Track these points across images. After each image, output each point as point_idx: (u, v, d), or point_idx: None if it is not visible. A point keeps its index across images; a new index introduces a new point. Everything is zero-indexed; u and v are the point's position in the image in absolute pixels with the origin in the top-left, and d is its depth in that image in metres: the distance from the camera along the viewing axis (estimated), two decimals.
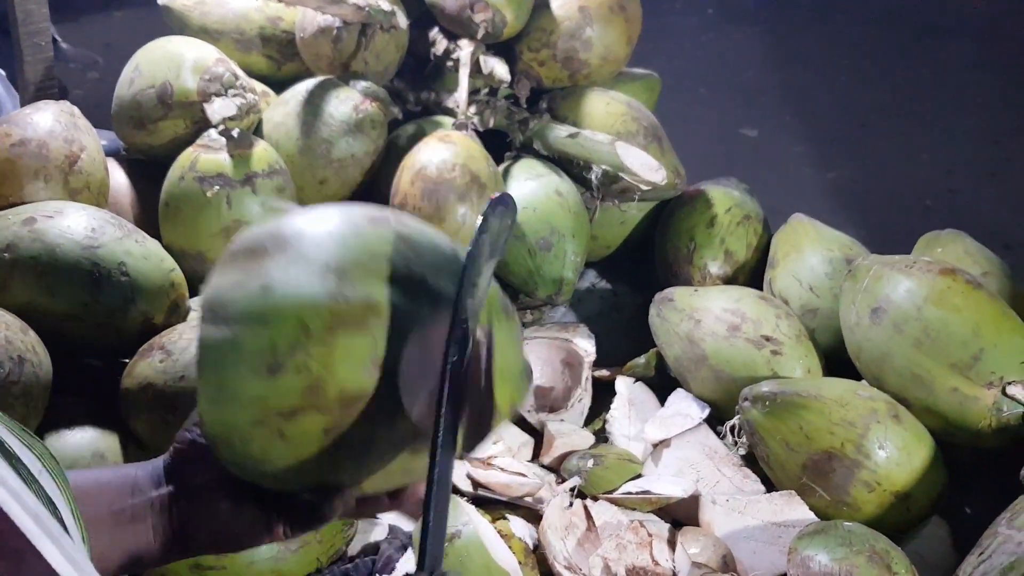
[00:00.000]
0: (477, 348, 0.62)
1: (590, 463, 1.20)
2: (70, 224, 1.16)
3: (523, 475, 1.20)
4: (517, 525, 1.14)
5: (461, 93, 1.45)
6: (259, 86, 1.50)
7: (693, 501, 1.16)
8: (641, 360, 1.41)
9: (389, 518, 1.16)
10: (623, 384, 1.35)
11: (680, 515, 1.18)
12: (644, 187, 1.45)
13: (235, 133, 1.31)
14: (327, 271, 0.61)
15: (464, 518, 1.09)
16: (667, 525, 1.15)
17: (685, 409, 1.31)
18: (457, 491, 1.18)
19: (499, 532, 1.10)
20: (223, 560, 1.01)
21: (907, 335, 1.19)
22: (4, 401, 1.02)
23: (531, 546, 1.12)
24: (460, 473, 1.20)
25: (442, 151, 1.34)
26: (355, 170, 1.43)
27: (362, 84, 1.44)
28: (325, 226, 0.65)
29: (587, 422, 1.34)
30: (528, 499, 1.18)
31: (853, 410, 1.16)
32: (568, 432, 1.28)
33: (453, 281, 0.62)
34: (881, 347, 1.22)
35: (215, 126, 1.32)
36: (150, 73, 1.38)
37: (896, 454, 1.14)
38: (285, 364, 0.60)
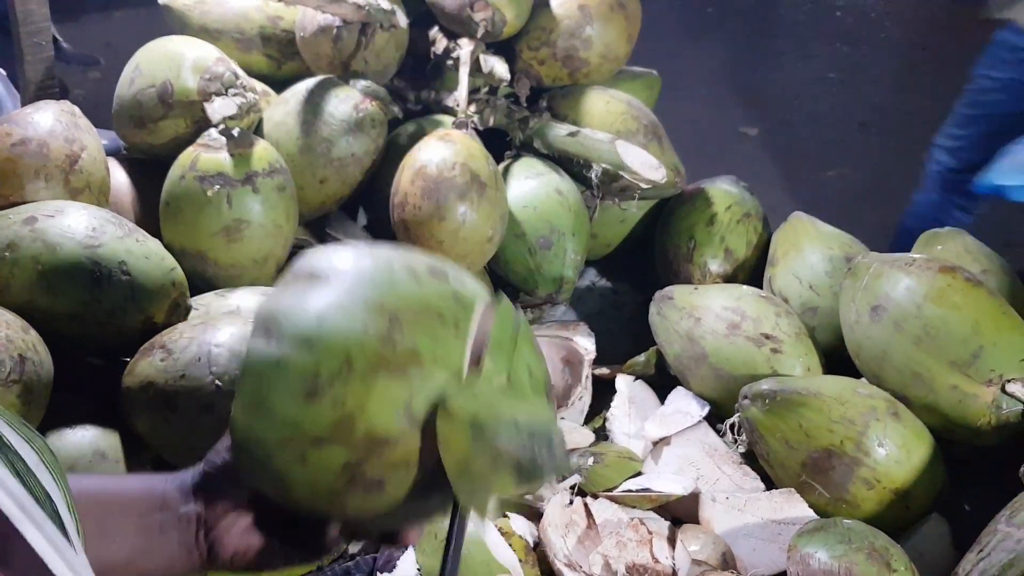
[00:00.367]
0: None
1: (590, 461, 1.21)
2: (71, 223, 1.16)
3: None
4: (517, 523, 1.14)
5: (461, 92, 1.46)
6: (259, 85, 1.50)
7: (693, 499, 1.17)
8: (641, 358, 1.41)
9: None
10: (623, 382, 1.36)
11: (680, 513, 1.18)
12: (644, 185, 1.45)
13: (235, 132, 1.31)
14: (382, 313, 0.63)
15: None
16: (667, 523, 1.15)
17: (685, 407, 1.31)
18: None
19: (499, 530, 1.11)
20: None
21: (907, 333, 1.19)
22: (5, 399, 1.02)
23: (531, 544, 1.13)
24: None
25: (442, 150, 1.34)
26: (355, 169, 1.43)
27: (362, 83, 1.44)
28: (388, 268, 0.66)
29: (587, 420, 1.34)
30: (528, 497, 1.18)
31: (853, 408, 1.16)
32: (568, 430, 1.29)
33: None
34: (881, 345, 1.22)
35: (215, 125, 1.32)
36: (150, 72, 1.38)
37: (896, 452, 1.14)
38: (323, 393, 0.61)
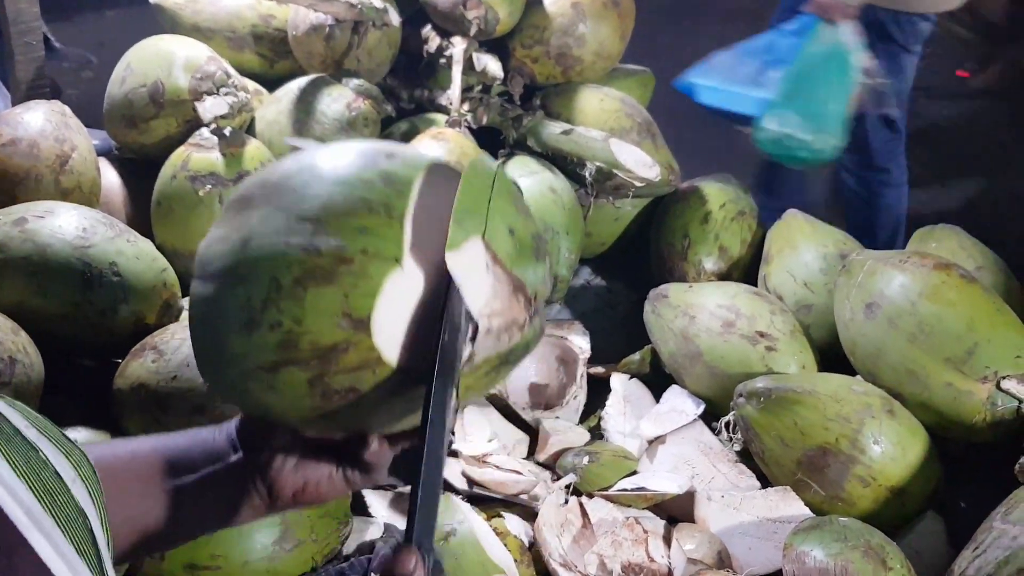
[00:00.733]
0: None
1: (585, 460, 1.20)
2: (61, 224, 1.15)
3: (518, 473, 1.19)
4: (513, 522, 1.14)
5: (454, 90, 1.45)
6: (251, 84, 1.49)
7: (688, 497, 1.16)
8: (636, 357, 1.40)
9: (384, 517, 1.16)
10: (618, 381, 1.35)
11: (675, 511, 1.18)
12: (638, 183, 1.45)
13: (227, 131, 1.30)
14: (303, 222, 0.61)
15: (460, 516, 1.08)
16: (662, 521, 1.15)
17: (680, 405, 1.30)
18: (453, 489, 1.18)
19: (495, 530, 1.10)
20: (218, 560, 1.00)
21: (901, 330, 1.19)
22: None
23: (527, 543, 1.12)
24: (455, 471, 1.20)
25: (436, 148, 1.33)
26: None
27: (355, 82, 1.44)
28: (311, 172, 0.64)
29: (582, 419, 1.34)
30: (523, 496, 1.17)
31: (848, 405, 1.16)
32: (563, 429, 1.28)
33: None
34: (875, 342, 1.22)
35: (207, 125, 1.32)
36: (142, 72, 1.38)
37: (891, 449, 1.14)
38: (259, 320, 0.60)
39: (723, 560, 1.10)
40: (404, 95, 1.58)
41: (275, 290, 0.60)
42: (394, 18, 1.49)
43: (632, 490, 1.16)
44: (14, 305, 1.11)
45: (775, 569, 1.07)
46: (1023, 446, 1.13)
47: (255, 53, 1.56)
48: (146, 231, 1.29)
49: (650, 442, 1.27)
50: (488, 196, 0.65)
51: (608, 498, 1.16)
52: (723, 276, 1.48)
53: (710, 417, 1.30)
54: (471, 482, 1.18)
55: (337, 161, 0.65)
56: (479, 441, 1.24)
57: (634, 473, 1.22)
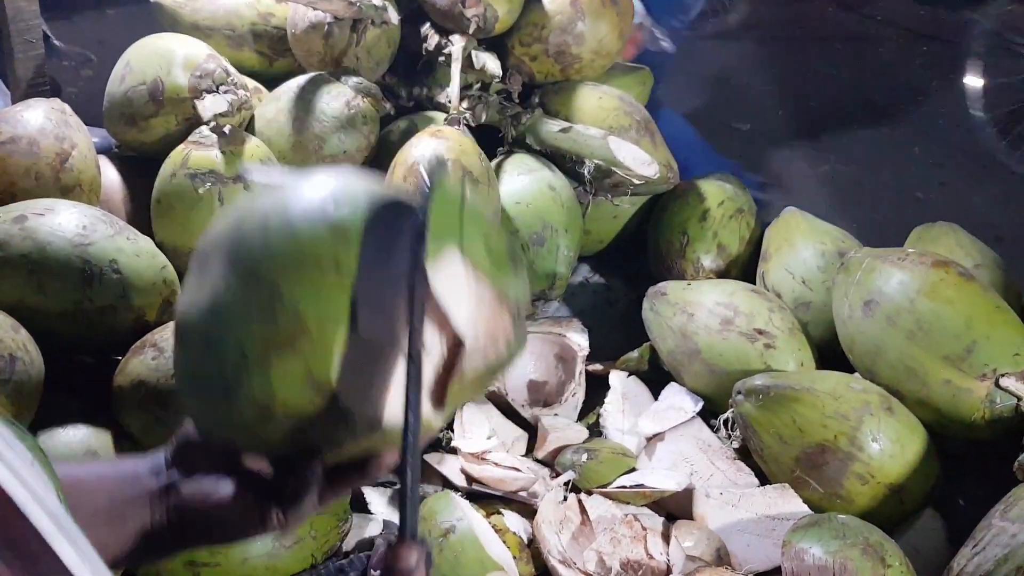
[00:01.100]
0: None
1: (584, 457, 1.20)
2: (61, 222, 1.16)
3: (517, 470, 1.20)
4: (511, 519, 1.14)
5: (453, 88, 1.45)
6: (250, 82, 1.49)
7: (687, 495, 1.17)
8: (634, 354, 1.41)
9: (383, 513, 1.16)
10: (616, 378, 1.35)
11: (674, 509, 1.18)
12: (637, 181, 1.45)
13: (227, 129, 1.30)
14: (259, 284, 0.61)
15: (459, 513, 1.09)
16: (661, 519, 1.15)
17: (678, 403, 1.31)
18: (451, 486, 1.18)
19: (493, 527, 1.10)
20: (217, 557, 1.00)
21: (900, 328, 1.19)
22: None
23: (525, 540, 1.12)
24: (454, 468, 1.20)
25: (435, 146, 1.33)
26: (347, 166, 1.42)
27: (354, 80, 1.44)
28: (263, 226, 0.63)
29: (581, 416, 1.34)
30: (522, 493, 1.18)
31: (846, 403, 1.16)
32: (562, 426, 1.28)
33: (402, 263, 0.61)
34: (874, 340, 1.22)
35: (206, 123, 1.32)
36: (141, 70, 1.38)
37: (889, 446, 1.14)
38: (235, 391, 0.62)
39: (722, 557, 1.10)
40: (403, 93, 1.58)
41: (243, 361, 0.61)
42: (393, 16, 1.49)
43: (631, 487, 1.17)
44: (14, 303, 1.11)
45: (774, 566, 1.08)
46: (1022, 443, 1.13)
47: (254, 51, 1.56)
48: (146, 229, 1.29)
49: (649, 439, 1.27)
50: (459, 209, 0.64)
51: (607, 495, 1.16)
52: (721, 274, 1.48)
53: (709, 414, 1.30)
54: (470, 479, 1.19)
55: (287, 212, 0.63)
56: (478, 438, 1.24)
57: (633, 470, 1.22)
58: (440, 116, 1.49)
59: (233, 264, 0.63)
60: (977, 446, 1.21)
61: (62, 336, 1.14)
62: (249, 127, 1.42)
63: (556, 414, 1.31)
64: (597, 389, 1.35)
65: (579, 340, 1.38)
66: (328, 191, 0.64)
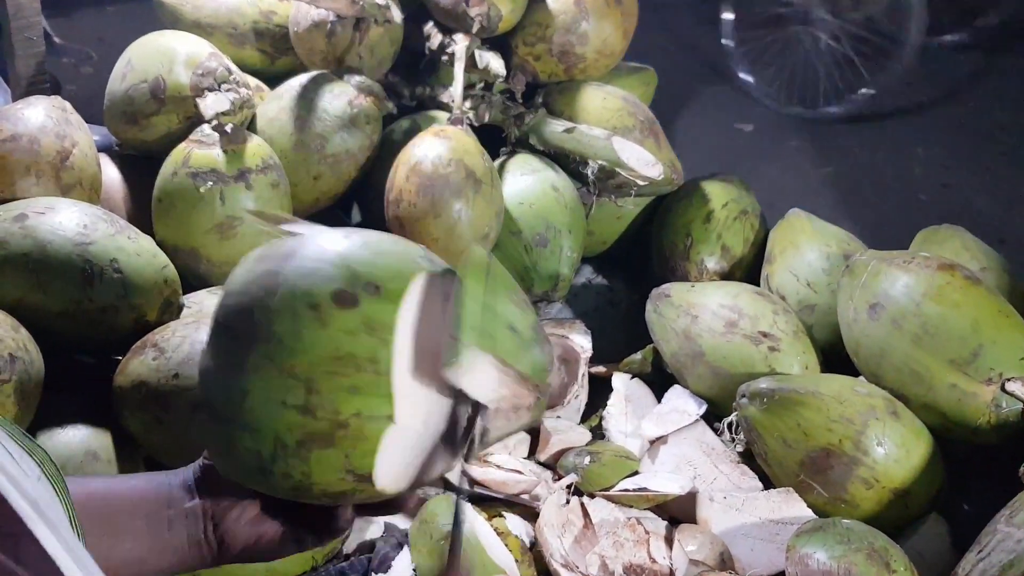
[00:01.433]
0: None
1: (587, 460, 1.20)
2: (62, 220, 1.15)
3: (519, 472, 1.19)
4: (514, 522, 1.13)
5: (456, 88, 1.44)
6: (252, 81, 1.48)
7: (690, 498, 1.16)
8: (638, 356, 1.40)
9: (384, 517, 1.15)
10: (620, 380, 1.35)
11: (677, 512, 1.17)
12: (641, 182, 1.44)
13: (228, 128, 1.30)
14: (296, 380, 0.61)
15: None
16: (664, 522, 1.14)
17: (682, 406, 1.30)
18: (453, 488, 1.18)
19: (495, 530, 1.10)
20: None
21: (905, 331, 1.18)
22: None
23: (528, 544, 1.12)
24: (455, 471, 1.19)
25: (437, 146, 1.33)
26: (349, 165, 1.42)
27: (356, 79, 1.43)
28: (293, 315, 0.62)
29: (583, 419, 1.34)
30: (524, 496, 1.17)
31: (851, 407, 1.15)
32: (564, 429, 1.28)
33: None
34: (879, 343, 1.21)
35: (208, 121, 1.31)
36: (142, 68, 1.37)
37: (894, 451, 1.14)
38: (271, 470, 0.63)
39: (725, 561, 1.09)
40: (406, 92, 1.57)
41: (281, 448, 0.62)
42: (396, 15, 1.48)
43: (634, 490, 1.16)
44: (14, 302, 1.10)
45: (778, 571, 1.07)
46: None
47: (256, 49, 1.55)
48: (147, 228, 1.28)
49: (652, 442, 1.26)
50: (482, 300, 0.65)
51: (610, 498, 1.16)
52: (725, 276, 1.48)
53: (712, 417, 1.29)
54: (472, 482, 1.18)
55: (317, 300, 0.63)
56: None
57: (636, 473, 1.21)
58: (443, 115, 1.48)
59: (264, 352, 0.62)
60: (983, 451, 1.21)
61: (62, 335, 1.13)
62: (251, 126, 1.42)
63: (559, 416, 1.31)
64: (600, 391, 1.35)
65: (582, 342, 1.37)
66: (362, 268, 0.63)
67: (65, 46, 2.84)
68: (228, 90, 1.34)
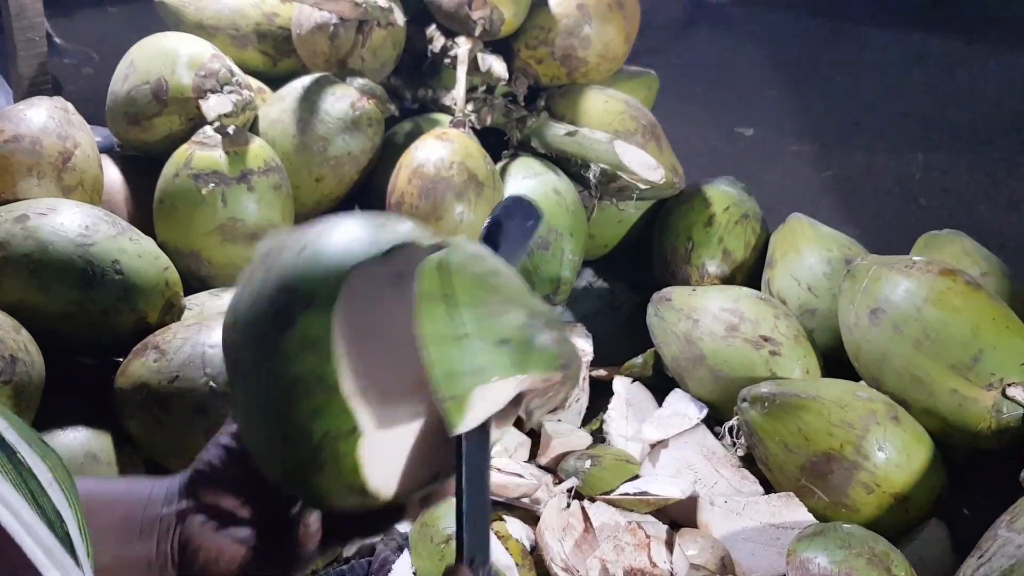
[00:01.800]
0: None
1: (587, 464, 1.20)
2: (63, 221, 1.15)
3: (520, 476, 1.19)
4: (514, 526, 1.13)
5: (459, 91, 1.44)
6: (255, 82, 1.48)
7: (691, 502, 1.16)
8: (639, 360, 1.40)
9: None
10: (620, 384, 1.35)
11: (678, 516, 1.17)
12: (642, 186, 1.44)
13: (230, 130, 1.30)
14: (269, 417, 0.61)
15: None
16: (665, 526, 1.14)
17: (683, 409, 1.30)
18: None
19: (496, 533, 1.10)
20: None
21: (906, 336, 1.18)
22: None
23: (528, 547, 1.12)
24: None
25: (440, 149, 1.33)
26: (352, 168, 1.42)
27: (359, 81, 1.43)
28: (251, 348, 0.61)
29: (584, 422, 1.33)
30: (525, 500, 1.17)
31: (852, 411, 1.15)
32: (565, 432, 1.28)
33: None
34: (880, 348, 1.21)
35: (210, 122, 1.31)
36: (145, 69, 1.37)
37: (895, 456, 1.14)
38: (288, 494, 0.65)
39: (726, 566, 1.09)
40: (408, 95, 1.58)
41: (286, 479, 0.63)
42: (399, 17, 1.48)
43: (634, 494, 1.16)
44: (15, 303, 1.10)
45: (778, 575, 1.07)
46: None
47: (258, 51, 1.55)
48: (148, 229, 1.28)
49: (652, 446, 1.26)
50: (452, 334, 0.58)
51: (610, 502, 1.16)
52: (726, 280, 1.48)
53: (713, 421, 1.29)
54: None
55: (256, 328, 0.61)
56: None
57: (636, 477, 1.21)
58: (445, 118, 1.48)
59: (240, 388, 0.63)
60: (983, 456, 1.21)
61: (63, 337, 1.13)
62: (253, 128, 1.42)
63: (559, 420, 1.31)
64: (601, 395, 1.34)
65: (583, 345, 1.37)
66: (293, 286, 0.60)
67: (67, 47, 2.83)
68: (230, 92, 1.34)
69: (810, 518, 1.13)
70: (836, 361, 1.31)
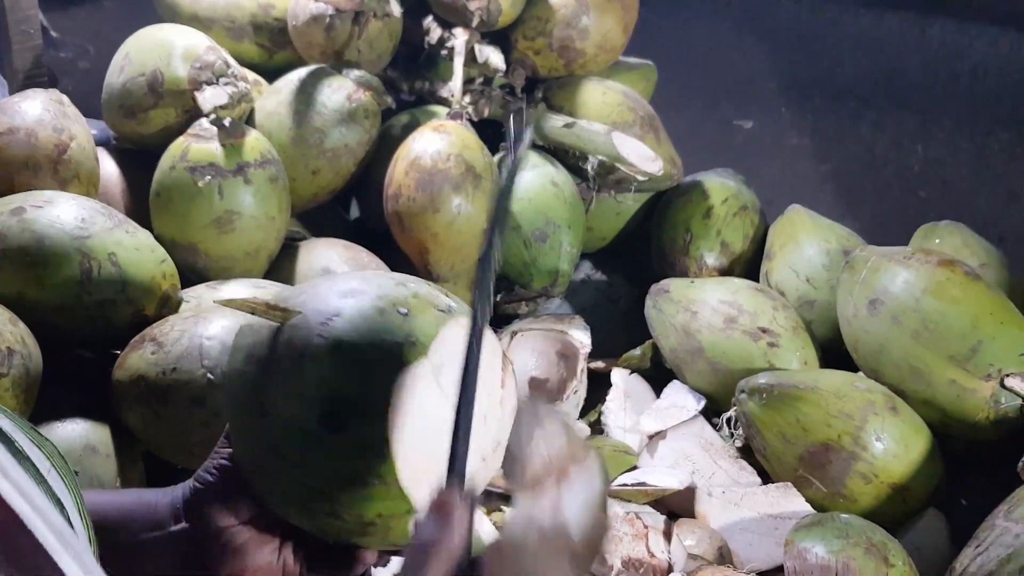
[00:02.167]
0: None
1: None
2: (59, 214, 1.14)
3: None
4: None
5: (456, 82, 1.44)
6: (251, 75, 1.48)
7: (689, 493, 1.16)
8: (637, 352, 1.40)
9: None
10: (618, 376, 1.35)
11: (676, 507, 1.17)
12: (640, 178, 1.44)
13: (227, 122, 1.29)
14: (315, 496, 0.63)
15: None
16: (663, 517, 1.14)
17: (681, 401, 1.30)
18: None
19: (495, 524, 1.10)
20: None
21: (905, 327, 1.18)
22: None
23: None
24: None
25: (437, 141, 1.32)
26: (348, 160, 1.41)
27: (355, 73, 1.43)
28: (293, 440, 0.63)
29: (582, 414, 1.33)
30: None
31: (850, 402, 1.15)
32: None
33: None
34: (879, 339, 1.21)
35: (206, 115, 1.30)
36: (140, 61, 1.36)
37: (893, 446, 1.14)
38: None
39: (723, 556, 1.09)
40: (405, 87, 1.57)
41: (318, 533, 0.66)
42: (395, 8, 1.47)
43: (632, 485, 1.16)
44: (12, 296, 1.10)
45: (776, 565, 1.07)
46: None
47: (254, 43, 1.54)
48: (145, 222, 1.27)
49: (650, 438, 1.26)
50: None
51: (608, 493, 1.16)
52: (725, 272, 1.48)
53: (711, 413, 1.29)
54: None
55: (304, 424, 0.63)
56: None
57: (634, 468, 1.21)
58: (442, 110, 1.48)
59: (277, 470, 0.65)
60: (981, 446, 1.21)
61: (60, 330, 1.13)
62: (249, 120, 1.41)
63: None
64: (599, 387, 1.34)
65: (581, 337, 1.37)
66: (339, 391, 0.62)
67: (62, 40, 2.82)
68: (226, 84, 1.34)
69: (808, 508, 1.13)
70: (835, 352, 1.31)
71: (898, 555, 1.00)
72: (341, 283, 0.67)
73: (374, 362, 0.62)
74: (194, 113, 1.33)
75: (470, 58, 1.48)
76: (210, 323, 1.08)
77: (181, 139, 1.30)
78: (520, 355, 1.33)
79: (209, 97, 1.31)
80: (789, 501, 1.14)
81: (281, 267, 1.35)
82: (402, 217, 1.31)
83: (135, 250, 1.16)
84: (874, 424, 1.14)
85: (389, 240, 1.37)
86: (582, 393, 1.34)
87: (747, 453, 1.24)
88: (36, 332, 1.09)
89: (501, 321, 1.46)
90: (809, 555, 0.99)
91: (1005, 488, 1.07)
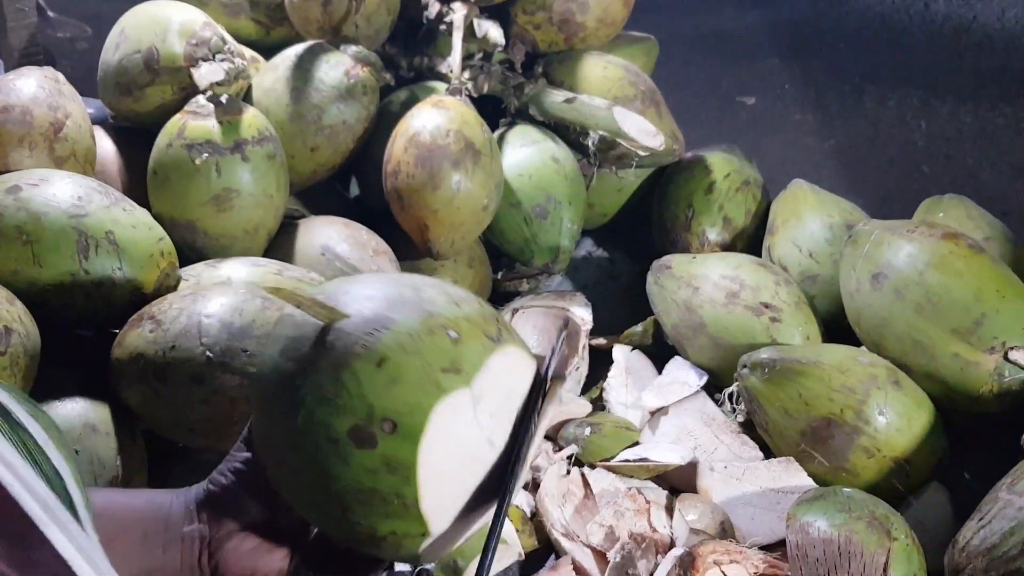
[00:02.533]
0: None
1: (587, 431, 1.19)
2: (56, 192, 1.13)
3: None
4: None
5: (455, 58, 1.43)
6: (248, 51, 1.46)
7: (691, 468, 1.16)
8: (638, 328, 1.39)
9: None
10: (620, 352, 1.34)
11: (678, 482, 1.17)
12: (642, 153, 1.43)
13: (223, 99, 1.28)
14: (330, 506, 0.63)
15: None
16: (665, 492, 1.14)
17: (683, 377, 1.29)
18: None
19: None
20: None
21: (908, 300, 1.17)
22: None
23: (528, 514, 1.12)
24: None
25: (436, 117, 1.31)
26: (347, 137, 1.40)
27: (353, 49, 1.41)
28: (319, 446, 0.62)
29: (584, 390, 1.33)
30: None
31: (853, 376, 1.15)
32: (565, 400, 1.27)
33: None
34: (882, 313, 1.20)
35: (203, 91, 1.29)
36: (136, 38, 1.35)
37: (896, 420, 1.13)
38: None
39: (726, 530, 1.09)
40: (403, 63, 1.55)
41: (335, 536, 0.68)
42: None
43: (634, 461, 1.16)
44: (9, 274, 1.09)
45: (778, 539, 1.07)
46: None
47: (251, 19, 1.53)
48: (142, 201, 1.27)
49: (652, 413, 1.26)
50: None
51: (610, 469, 1.15)
52: (727, 247, 1.47)
53: (713, 388, 1.29)
54: None
55: (332, 433, 0.62)
56: None
57: (636, 444, 1.21)
58: (441, 86, 1.47)
59: (296, 484, 0.65)
60: (984, 419, 1.20)
61: (58, 308, 1.12)
62: (247, 97, 1.40)
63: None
64: (601, 363, 1.34)
65: (582, 314, 1.36)
66: (373, 406, 0.61)
67: (59, 20, 2.80)
68: (222, 60, 1.32)
69: (810, 483, 1.13)
70: (837, 327, 1.30)
71: (901, 529, 1.00)
72: (393, 289, 0.65)
73: (415, 384, 0.61)
74: (191, 90, 1.32)
75: (469, 33, 1.46)
76: (209, 301, 1.08)
77: (178, 116, 1.29)
78: (521, 332, 1.32)
79: (205, 74, 1.30)
80: (791, 476, 1.14)
81: (280, 245, 1.34)
82: (401, 194, 1.31)
83: (132, 228, 1.16)
84: (877, 398, 1.13)
85: (389, 217, 1.37)
86: (584, 370, 1.34)
87: (749, 428, 1.23)
88: (34, 311, 1.08)
89: (502, 298, 1.45)
90: (811, 529, 0.99)
91: (1008, 461, 1.06)
